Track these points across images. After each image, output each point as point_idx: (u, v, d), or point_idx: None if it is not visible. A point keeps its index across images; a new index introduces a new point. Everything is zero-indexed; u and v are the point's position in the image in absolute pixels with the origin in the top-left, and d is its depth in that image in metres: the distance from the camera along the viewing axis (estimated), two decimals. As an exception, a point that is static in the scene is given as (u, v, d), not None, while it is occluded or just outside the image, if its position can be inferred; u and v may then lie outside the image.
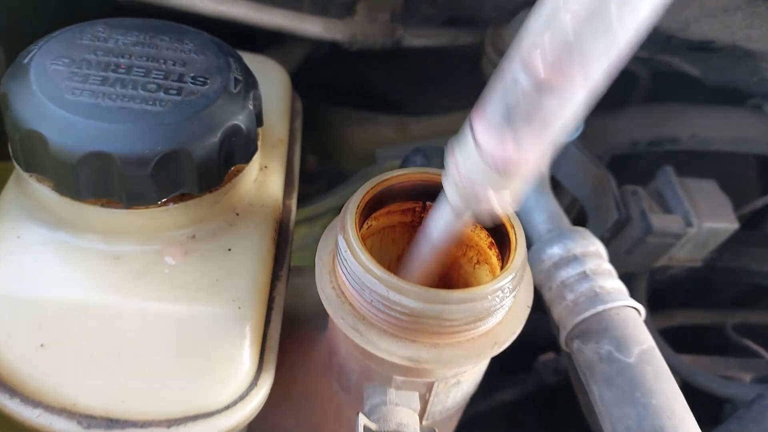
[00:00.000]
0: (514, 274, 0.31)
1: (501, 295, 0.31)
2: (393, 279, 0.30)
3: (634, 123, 0.67)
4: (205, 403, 0.32)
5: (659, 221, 0.54)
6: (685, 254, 0.60)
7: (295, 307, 0.48)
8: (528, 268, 0.35)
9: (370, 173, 0.65)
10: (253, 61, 0.47)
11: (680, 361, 0.64)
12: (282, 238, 0.40)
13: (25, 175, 0.33)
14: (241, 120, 0.33)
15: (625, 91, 0.77)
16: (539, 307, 0.46)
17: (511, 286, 0.31)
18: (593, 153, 0.63)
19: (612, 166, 0.80)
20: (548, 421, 0.93)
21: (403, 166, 0.53)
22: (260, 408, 0.34)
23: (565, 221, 0.44)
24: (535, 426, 0.94)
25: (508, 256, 0.33)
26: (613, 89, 0.83)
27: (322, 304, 0.46)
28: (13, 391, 0.31)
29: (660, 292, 0.88)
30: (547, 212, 0.45)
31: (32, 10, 0.51)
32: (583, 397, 0.50)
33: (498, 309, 0.31)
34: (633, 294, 0.69)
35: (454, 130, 0.72)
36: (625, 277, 0.70)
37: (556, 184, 0.69)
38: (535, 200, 0.46)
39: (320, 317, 0.47)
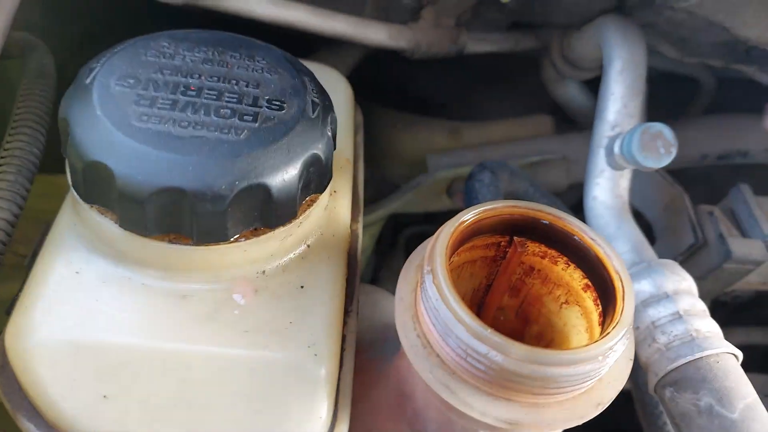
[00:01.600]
0: (625, 330, 0.28)
1: (612, 354, 0.28)
2: (494, 336, 0.27)
3: (702, 134, 0.64)
4: (281, 460, 0.29)
5: (739, 247, 0.50)
6: (758, 278, 0.57)
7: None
8: (630, 318, 0.32)
9: (421, 182, 0.61)
10: (314, 71, 0.44)
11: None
12: (351, 270, 0.37)
13: (86, 205, 0.30)
14: (320, 149, 0.30)
15: (686, 99, 0.72)
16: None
17: (622, 344, 0.28)
18: (659, 167, 0.60)
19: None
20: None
21: (467, 182, 0.50)
22: (335, 462, 0.31)
23: (651, 252, 0.41)
24: None
25: (614, 306, 0.29)
26: (674, 97, 0.79)
27: (380, 329, 0.43)
28: (74, 445, 0.28)
29: (712, 309, 0.84)
30: (631, 242, 0.42)
31: (77, 15, 0.48)
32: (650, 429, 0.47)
33: (606, 367, 0.28)
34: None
35: (509, 138, 0.69)
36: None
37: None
38: (617, 227, 0.43)
39: (381, 344, 0.44)
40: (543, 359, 0.27)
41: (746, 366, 0.73)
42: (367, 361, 0.43)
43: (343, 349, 0.34)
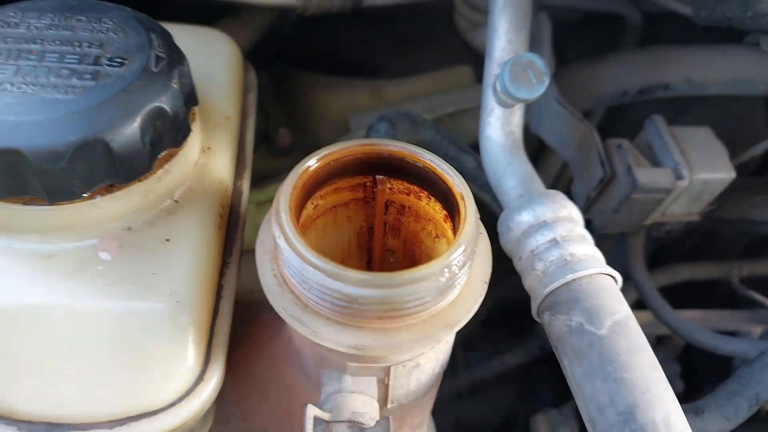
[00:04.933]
0: (463, 247, 0.29)
1: (449, 273, 0.29)
2: (330, 265, 0.28)
3: (622, 70, 0.63)
4: (148, 402, 0.30)
5: (645, 176, 0.51)
6: (680, 209, 0.57)
7: (259, 293, 0.46)
8: (484, 240, 0.33)
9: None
10: (195, 34, 0.45)
11: (679, 320, 0.61)
12: (231, 223, 0.38)
13: (-57, 175, 0.31)
14: (164, 101, 0.31)
15: (613, 37, 0.72)
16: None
17: (460, 262, 0.29)
18: (579, 106, 0.60)
19: (608, 119, 0.76)
20: (556, 383, 0.92)
21: (368, 136, 0.50)
22: (210, 402, 0.32)
23: (538, 185, 0.42)
24: (543, 389, 0.93)
25: (458, 227, 0.30)
26: (599, 35, 0.78)
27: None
28: (-55, 402, 0.29)
29: (664, 249, 0.84)
30: (519, 176, 0.42)
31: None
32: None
33: (449, 288, 0.29)
34: (629, 254, 0.66)
35: (431, 92, 0.69)
36: (619, 237, 0.67)
37: (545, 146, 0.65)
38: (507, 164, 0.43)
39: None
40: (378, 282, 0.27)
41: (696, 303, 0.74)
42: (275, 316, 0.44)
43: (219, 297, 0.35)
